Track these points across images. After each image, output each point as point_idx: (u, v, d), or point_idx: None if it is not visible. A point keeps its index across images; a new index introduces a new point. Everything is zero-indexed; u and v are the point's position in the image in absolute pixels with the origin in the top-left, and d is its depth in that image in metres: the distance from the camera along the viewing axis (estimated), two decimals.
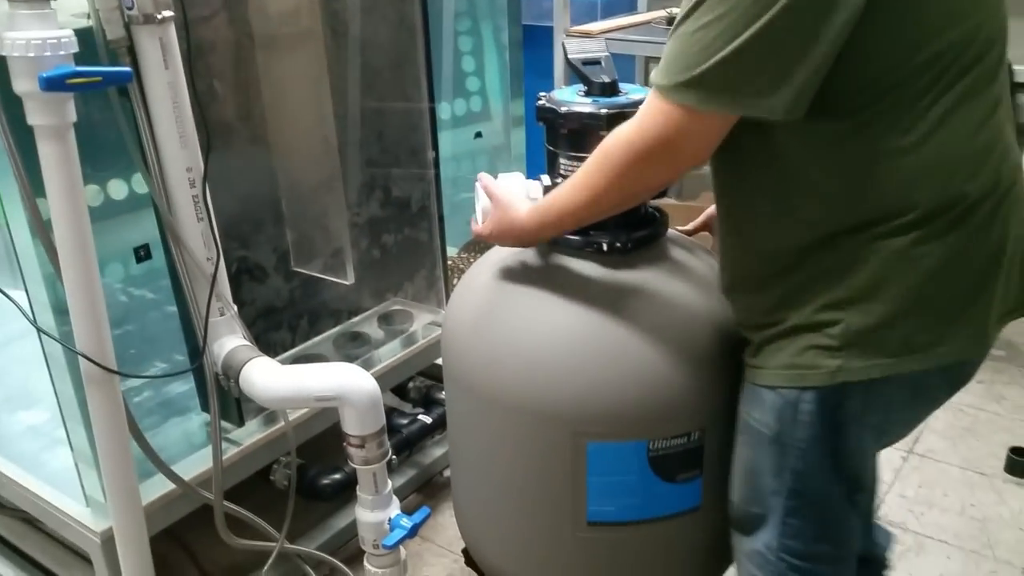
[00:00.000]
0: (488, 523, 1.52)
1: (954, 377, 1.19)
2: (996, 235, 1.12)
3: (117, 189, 1.64)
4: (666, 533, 1.40)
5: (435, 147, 2.06)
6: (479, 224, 1.38)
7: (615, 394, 1.29)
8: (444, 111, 2.50)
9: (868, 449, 1.25)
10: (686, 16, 1.00)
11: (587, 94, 1.37)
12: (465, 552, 1.68)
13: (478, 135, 2.34)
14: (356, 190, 1.96)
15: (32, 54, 1.14)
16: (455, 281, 2.26)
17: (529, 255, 1.43)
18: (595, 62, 1.41)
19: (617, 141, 1.11)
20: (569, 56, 1.41)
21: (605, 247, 1.38)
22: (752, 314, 1.22)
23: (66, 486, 1.61)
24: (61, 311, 1.39)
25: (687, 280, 1.38)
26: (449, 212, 2.16)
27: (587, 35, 3.27)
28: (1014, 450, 2.23)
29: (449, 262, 2.25)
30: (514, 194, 1.34)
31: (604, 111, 1.31)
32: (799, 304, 1.14)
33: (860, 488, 1.26)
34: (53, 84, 1.14)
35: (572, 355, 1.30)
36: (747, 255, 1.21)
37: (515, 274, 1.42)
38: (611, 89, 1.36)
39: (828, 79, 1.00)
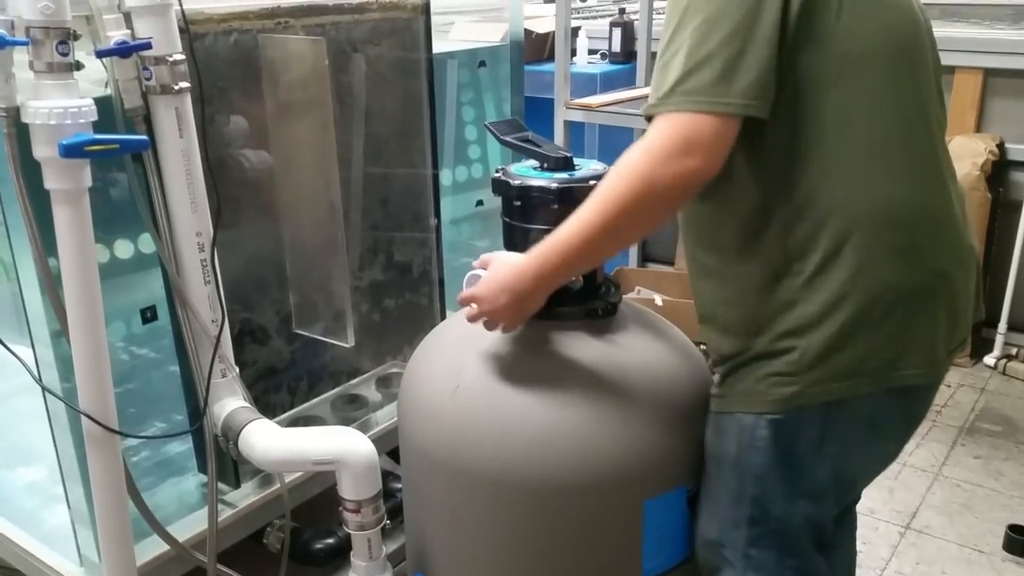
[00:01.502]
0: None
1: (908, 408, 1.27)
2: (935, 263, 1.20)
3: (123, 249, 1.67)
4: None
5: (437, 214, 2.10)
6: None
7: (663, 446, 1.34)
8: (446, 177, 2.55)
9: (827, 484, 1.27)
10: (661, 54, 1.15)
11: (542, 169, 1.43)
12: None
13: (479, 203, 2.38)
14: (359, 254, 1.99)
15: (53, 122, 1.19)
16: None
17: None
18: (528, 140, 1.49)
19: (628, 155, 1.14)
20: (503, 138, 1.48)
21: (600, 312, 1.43)
22: (720, 346, 1.28)
23: (61, 545, 1.61)
24: (65, 369, 1.41)
25: (660, 339, 1.44)
26: (449, 277, 2.19)
27: (587, 108, 3.36)
28: (1012, 528, 2.22)
29: None
30: (504, 255, 1.35)
31: (555, 185, 1.36)
32: (759, 333, 1.21)
33: (820, 523, 1.29)
34: (72, 151, 1.18)
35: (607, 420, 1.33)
36: (712, 292, 1.29)
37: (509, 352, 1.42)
38: (565, 164, 1.42)
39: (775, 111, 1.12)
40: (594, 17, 4.50)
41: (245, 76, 1.66)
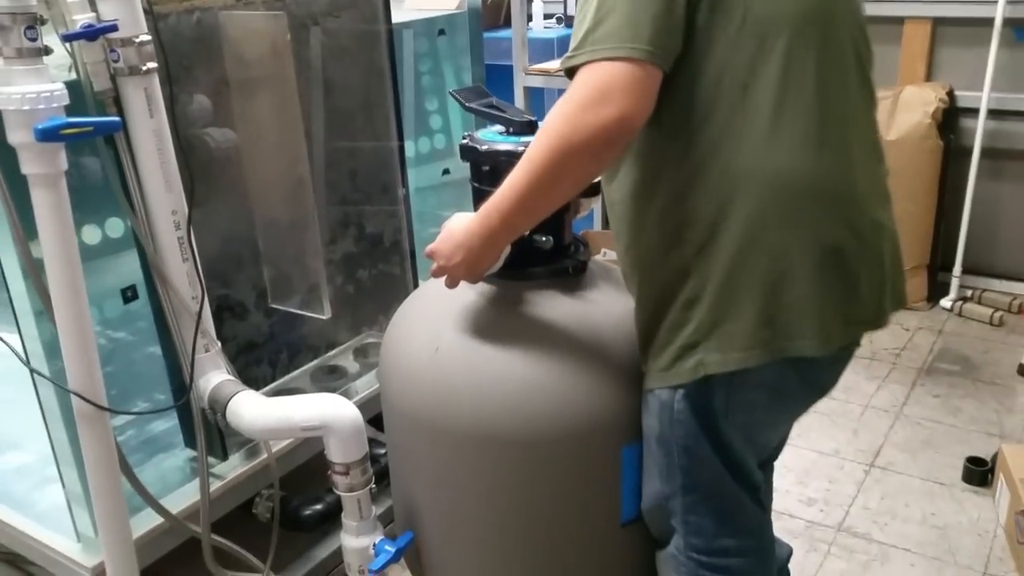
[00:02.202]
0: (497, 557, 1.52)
1: (810, 377, 1.29)
2: (826, 237, 1.18)
3: (90, 235, 1.67)
4: None
5: (405, 184, 2.13)
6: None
7: (636, 395, 1.38)
8: (410, 149, 2.57)
9: (743, 448, 1.32)
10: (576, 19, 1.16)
11: (507, 133, 1.46)
12: None
13: (446, 172, 2.41)
14: (330, 228, 2.02)
15: (27, 107, 1.21)
16: None
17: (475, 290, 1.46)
18: (492, 105, 1.51)
19: (551, 112, 1.14)
20: (468, 105, 1.51)
21: (571, 270, 1.48)
22: (638, 319, 1.33)
23: (56, 524, 1.64)
24: (51, 352, 1.43)
25: (628, 295, 1.46)
26: (419, 246, 2.23)
27: (546, 73, 3.39)
28: (970, 460, 2.32)
29: None
30: (459, 214, 1.36)
31: (522, 148, 1.34)
32: (665, 306, 1.24)
33: (749, 480, 1.34)
34: (48, 135, 1.20)
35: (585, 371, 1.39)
36: (633, 269, 1.32)
37: (481, 312, 1.46)
38: (530, 127, 1.45)
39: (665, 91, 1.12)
40: None
41: (208, 54, 1.68)
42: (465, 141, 1.47)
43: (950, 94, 3.26)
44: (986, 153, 3.23)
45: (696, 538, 1.34)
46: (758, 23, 1.13)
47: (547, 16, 4.12)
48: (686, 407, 1.26)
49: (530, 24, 3.84)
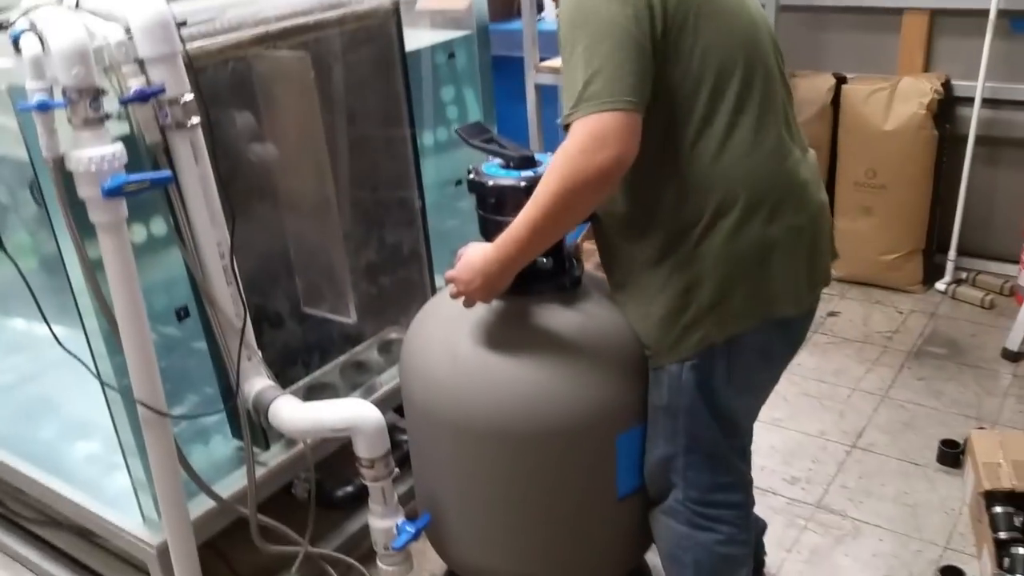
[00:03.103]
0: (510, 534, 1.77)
1: (789, 337, 1.63)
2: (792, 220, 1.50)
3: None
4: None
5: (421, 196, 2.34)
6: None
7: (627, 391, 1.65)
8: (427, 139, 2.74)
9: (740, 406, 1.64)
10: (564, 72, 1.40)
11: (507, 167, 1.66)
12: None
13: (459, 183, 2.58)
14: (355, 241, 2.24)
15: (94, 168, 1.43)
16: None
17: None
18: (492, 140, 1.72)
19: (554, 157, 1.40)
20: (471, 142, 1.71)
21: (568, 285, 1.71)
22: (644, 318, 1.58)
23: (124, 507, 1.90)
24: (116, 356, 1.67)
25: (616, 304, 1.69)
26: (435, 239, 2.42)
27: (556, 71, 3.55)
28: (944, 442, 2.51)
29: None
30: (474, 244, 1.59)
31: (523, 183, 1.60)
32: (668, 298, 1.52)
33: (740, 443, 1.68)
34: (112, 193, 1.43)
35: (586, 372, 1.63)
36: (627, 272, 1.59)
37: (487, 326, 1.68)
38: (528, 162, 1.66)
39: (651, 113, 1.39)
40: None
41: (242, 94, 1.89)
42: (472, 176, 1.67)
43: (946, 84, 3.38)
44: (981, 141, 3.37)
45: (694, 491, 1.64)
46: (714, 67, 1.42)
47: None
48: (692, 377, 1.55)
49: (541, 15, 3.94)
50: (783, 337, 1.62)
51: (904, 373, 2.95)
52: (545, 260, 1.66)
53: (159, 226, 1.79)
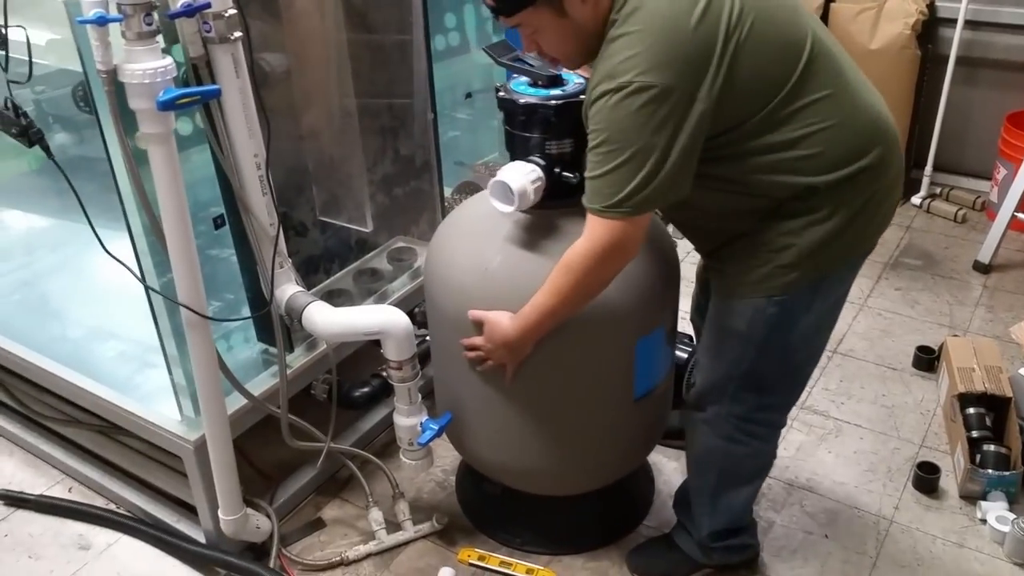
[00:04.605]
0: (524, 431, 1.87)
1: (855, 274, 1.67)
2: (896, 163, 1.56)
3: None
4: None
5: (433, 108, 2.39)
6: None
7: (650, 297, 1.77)
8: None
9: (817, 341, 1.70)
10: (591, 162, 1.43)
11: (535, 86, 1.72)
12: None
13: (468, 96, 2.63)
14: (372, 151, 2.31)
15: (147, 81, 1.48)
16: None
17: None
18: (519, 59, 1.75)
19: (576, 255, 1.50)
20: (500, 60, 1.75)
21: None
22: (734, 252, 1.61)
23: (159, 404, 2.00)
24: (162, 266, 1.74)
25: None
26: (443, 148, 2.48)
27: None
28: (920, 348, 2.69)
29: (446, 203, 2.61)
30: (499, 313, 1.68)
31: (553, 102, 1.67)
32: (768, 239, 1.54)
33: (804, 364, 1.73)
34: (166, 105, 1.48)
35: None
36: (730, 222, 1.60)
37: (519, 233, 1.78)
38: (554, 81, 1.71)
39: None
40: None
41: (271, 7, 1.92)
42: (501, 94, 1.73)
43: (931, 5, 3.47)
44: (961, 61, 3.48)
45: (739, 407, 1.72)
46: (782, 66, 1.43)
47: None
48: (776, 312, 1.58)
49: None
50: (852, 275, 1.66)
51: (881, 283, 3.11)
52: (572, 176, 1.72)
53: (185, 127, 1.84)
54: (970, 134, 3.69)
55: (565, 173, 1.71)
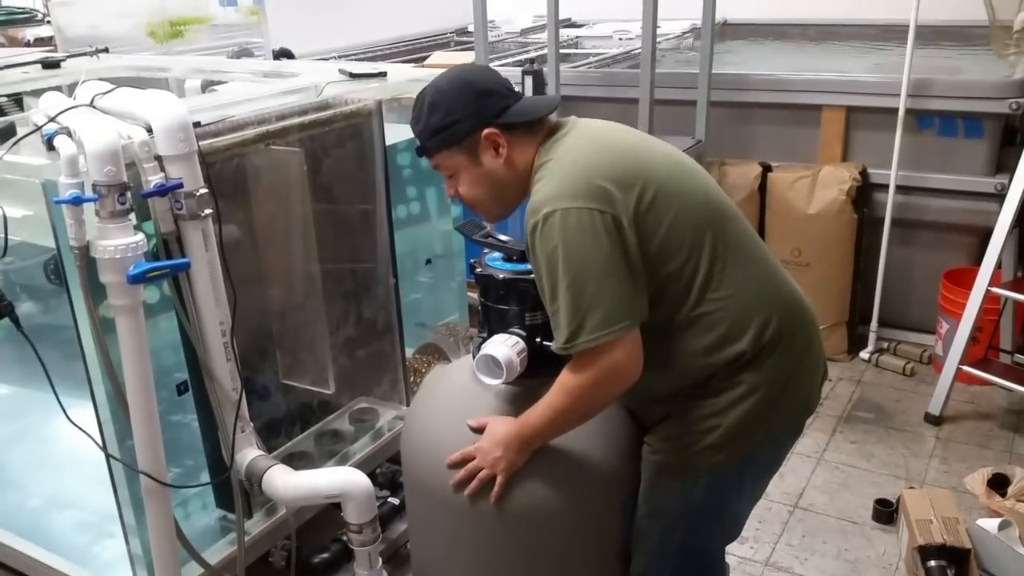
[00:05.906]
0: None
1: (792, 442, 1.72)
2: (813, 342, 1.62)
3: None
4: None
5: (395, 274, 2.49)
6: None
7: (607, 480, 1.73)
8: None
9: (745, 511, 1.73)
10: (550, 305, 1.49)
11: (508, 260, 1.77)
12: None
13: (428, 262, 2.75)
14: (335, 316, 2.38)
15: (119, 256, 1.56)
16: (414, 380, 2.68)
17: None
18: (489, 235, 1.82)
19: (571, 382, 1.52)
20: (473, 238, 1.82)
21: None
22: (661, 429, 1.64)
23: (115, 573, 1.96)
24: (122, 434, 1.76)
25: None
26: (404, 311, 2.55)
27: None
28: (879, 501, 2.72)
29: (407, 363, 2.67)
30: (497, 419, 1.67)
31: (531, 275, 1.65)
32: (696, 419, 1.58)
33: (734, 533, 1.76)
34: (137, 279, 1.55)
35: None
36: (660, 387, 1.62)
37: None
38: (522, 256, 1.74)
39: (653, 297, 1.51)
40: (505, 65, 4.76)
41: (242, 185, 2.03)
42: (479, 270, 1.77)
43: (863, 172, 3.71)
44: (896, 223, 3.68)
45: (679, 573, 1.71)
46: (692, 234, 1.52)
47: None
48: (703, 493, 1.61)
49: None
50: (788, 444, 1.70)
51: (837, 437, 3.18)
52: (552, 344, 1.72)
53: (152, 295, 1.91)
54: (911, 291, 3.86)
55: (546, 343, 1.70)
